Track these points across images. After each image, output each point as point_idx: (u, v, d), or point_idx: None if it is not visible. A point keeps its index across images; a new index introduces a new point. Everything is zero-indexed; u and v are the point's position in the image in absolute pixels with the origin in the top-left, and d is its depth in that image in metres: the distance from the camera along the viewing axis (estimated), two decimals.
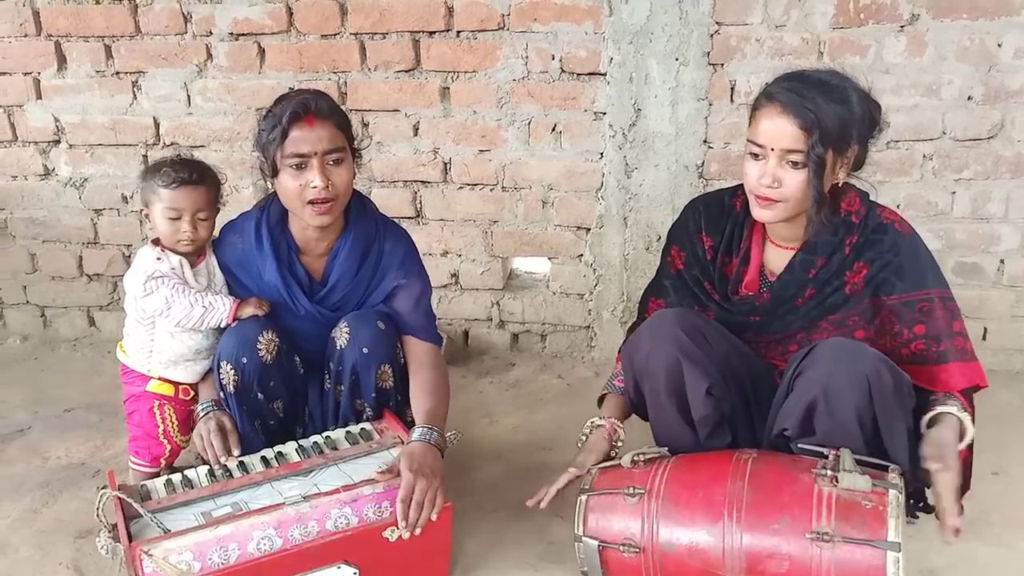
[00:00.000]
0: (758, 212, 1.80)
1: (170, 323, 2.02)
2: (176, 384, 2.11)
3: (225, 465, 1.88)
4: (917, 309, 1.78)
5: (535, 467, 2.38)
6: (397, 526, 1.72)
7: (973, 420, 1.79)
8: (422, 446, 1.83)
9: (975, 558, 1.94)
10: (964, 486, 1.83)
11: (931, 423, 1.74)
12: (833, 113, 1.69)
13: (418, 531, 1.72)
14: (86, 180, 3.12)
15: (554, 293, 3.04)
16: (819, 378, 1.66)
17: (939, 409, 1.74)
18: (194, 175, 2.00)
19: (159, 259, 2.01)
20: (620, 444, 1.90)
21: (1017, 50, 2.57)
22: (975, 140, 2.67)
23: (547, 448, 2.49)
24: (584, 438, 1.92)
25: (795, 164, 1.72)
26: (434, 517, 1.74)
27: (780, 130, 1.71)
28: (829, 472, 1.61)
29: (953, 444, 1.68)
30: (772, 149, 1.73)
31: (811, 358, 1.71)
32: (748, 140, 1.78)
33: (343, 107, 2.83)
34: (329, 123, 1.92)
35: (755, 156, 1.76)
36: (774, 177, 1.73)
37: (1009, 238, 2.76)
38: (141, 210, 2.09)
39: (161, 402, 2.11)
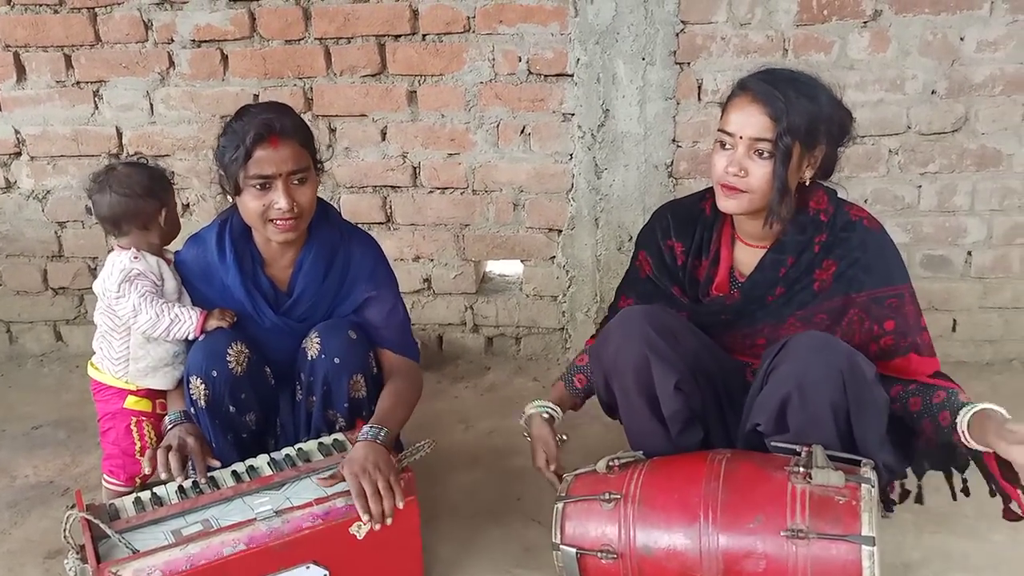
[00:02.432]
0: (723, 202, 1.81)
1: (137, 330, 1.98)
2: (153, 400, 2.07)
3: (195, 481, 1.85)
4: (886, 305, 1.80)
5: (511, 472, 2.37)
6: (362, 520, 1.70)
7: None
8: (363, 446, 1.80)
9: (950, 551, 1.96)
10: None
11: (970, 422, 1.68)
12: (802, 107, 1.71)
13: (388, 521, 1.71)
14: (49, 192, 3.07)
15: (527, 296, 3.03)
16: (793, 373, 1.67)
17: (975, 407, 1.68)
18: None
19: (136, 258, 1.98)
20: (559, 435, 1.93)
21: (979, 43, 2.60)
22: (940, 134, 2.70)
23: (523, 452, 2.44)
24: (526, 435, 1.95)
25: (761, 154, 1.74)
26: (399, 504, 1.72)
27: (749, 118, 1.74)
28: (802, 469, 1.61)
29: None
30: (740, 137, 1.75)
31: (785, 353, 1.71)
32: (718, 130, 1.80)
33: (309, 113, 2.83)
34: (293, 142, 1.89)
35: (723, 146, 1.78)
36: (740, 166, 1.75)
37: (975, 230, 2.79)
38: (156, 216, 2.03)
39: (139, 419, 2.07)
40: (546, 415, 1.94)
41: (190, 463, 1.89)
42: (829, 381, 1.64)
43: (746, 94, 1.75)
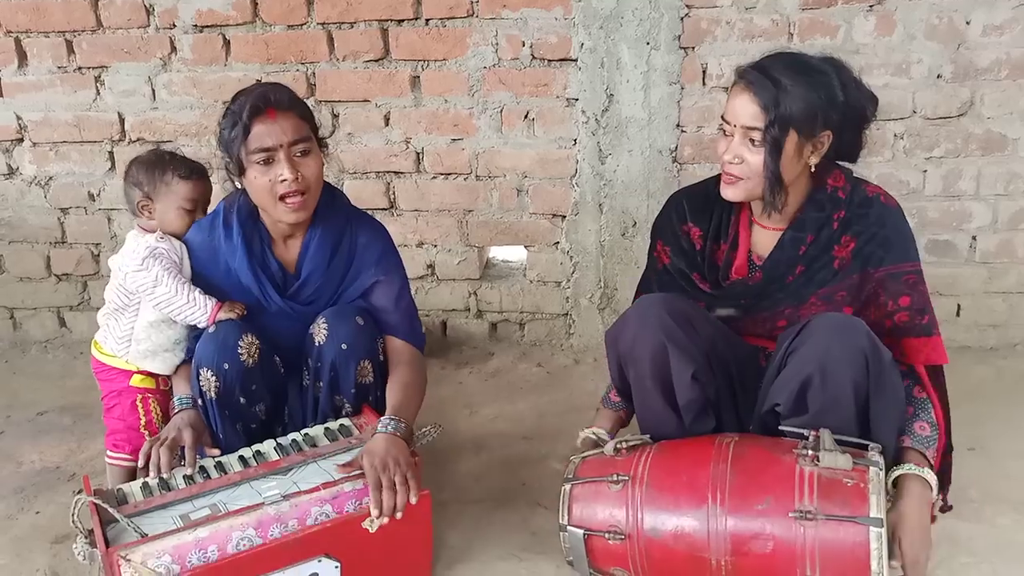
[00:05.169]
0: (724, 191, 1.82)
1: (151, 302, 1.99)
2: (157, 376, 2.09)
3: (202, 466, 1.84)
4: (903, 281, 1.80)
5: (516, 457, 2.38)
6: (373, 514, 1.70)
7: (947, 407, 1.81)
8: (383, 438, 1.79)
9: (956, 535, 1.96)
10: (945, 481, 1.84)
11: (895, 483, 1.71)
12: (798, 95, 1.70)
13: (399, 515, 1.70)
14: (51, 179, 3.06)
15: (531, 281, 3.02)
16: (815, 354, 1.66)
17: (903, 470, 1.70)
18: (200, 168, 2.09)
19: (162, 238, 2.01)
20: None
21: (985, 27, 2.59)
22: (945, 118, 2.69)
23: (528, 437, 2.48)
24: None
25: (754, 142, 1.74)
26: (413, 500, 1.71)
27: (743, 107, 1.74)
28: (810, 452, 1.61)
29: (920, 526, 1.66)
30: (735, 126, 1.75)
31: (805, 334, 1.70)
32: (720, 117, 1.80)
33: (312, 99, 2.82)
34: (291, 114, 1.89)
35: (724, 133, 1.79)
36: (735, 153, 1.76)
37: (980, 215, 2.78)
38: (138, 204, 2.06)
39: (144, 395, 2.08)
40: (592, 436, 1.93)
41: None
42: (852, 362, 1.63)
43: (741, 82, 1.75)
